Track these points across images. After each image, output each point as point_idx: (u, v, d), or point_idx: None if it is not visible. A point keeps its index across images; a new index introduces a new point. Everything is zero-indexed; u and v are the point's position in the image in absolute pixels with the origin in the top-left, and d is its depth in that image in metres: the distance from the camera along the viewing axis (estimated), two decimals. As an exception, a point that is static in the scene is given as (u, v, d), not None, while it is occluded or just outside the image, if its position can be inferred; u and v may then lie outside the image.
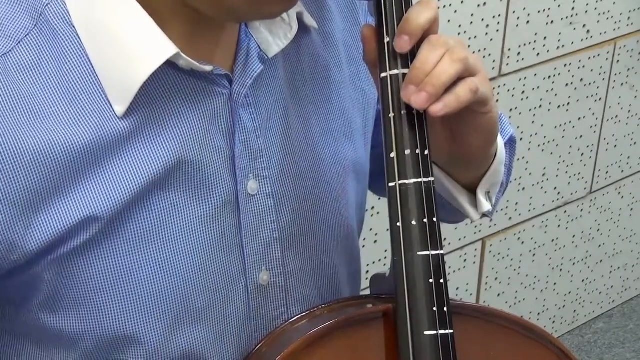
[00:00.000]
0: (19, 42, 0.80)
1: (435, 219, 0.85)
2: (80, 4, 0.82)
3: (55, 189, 0.80)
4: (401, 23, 0.84)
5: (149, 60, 0.81)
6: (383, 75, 0.85)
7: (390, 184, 0.85)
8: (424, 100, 0.82)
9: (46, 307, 0.85)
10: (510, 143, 1.09)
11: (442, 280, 0.85)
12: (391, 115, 0.85)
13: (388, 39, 0.85)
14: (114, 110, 0.82)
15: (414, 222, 0.84)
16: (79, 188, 0.81)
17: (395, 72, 0.85)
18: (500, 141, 1.01)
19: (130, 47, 0.81)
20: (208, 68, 0.85)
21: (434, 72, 0.82)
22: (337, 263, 1.01)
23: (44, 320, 0.86)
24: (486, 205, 1.01)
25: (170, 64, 0.83)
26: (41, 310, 0.85)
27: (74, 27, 0.82)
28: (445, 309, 0.85)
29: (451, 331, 0.85)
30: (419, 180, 0.84)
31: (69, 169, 0.80)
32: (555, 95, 2.36)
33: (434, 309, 0.84)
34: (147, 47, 0.82)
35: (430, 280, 0.84)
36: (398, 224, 0.84)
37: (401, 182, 0.84)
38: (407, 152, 0.84)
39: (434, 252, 0.85)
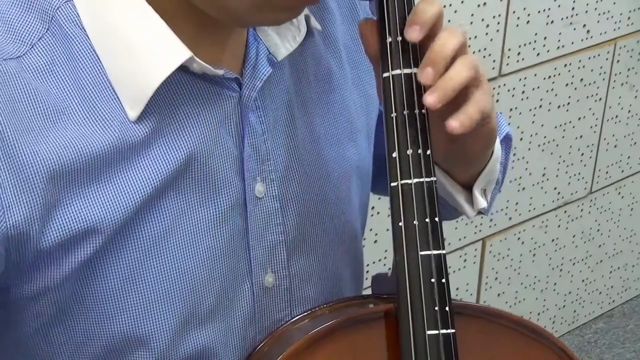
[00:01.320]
0: (33, 46, 0.80)
1: (437, 219, 0.85)
2: (90, 7, 0.81)
3: (70, 190, 0.80)
4: (410, 15, 0.84)
5: (162, 65, 0.81)
6: (385, 75, 0.85)
7: (392, 184, 0.85)
8: (435, 100, 0.82)
9: (56, 317, 0.84)
10: (506, 141, 1.10)
11: (443, 280, 0.85)
12: (393, 115, 0.85)
13: (390, 39, 0.85)
14: (126, 115, 0.81)
15: (415, 222, 0.84)
16: (93, 190, 0.81)
17: (397, 72, 0.85)
18: (497, 139, 1.02)
19: (143, 51, 0.81)
20: (220, 72, 0.85)
21: (448, 74, 0.83)
22: (341, 265, 1.01)
23: (51, 330, 0.85)
24: (482, 202, 1.01)
25: (181, 68, 0.82)
26: (51, 320, 0.85)
27: (85, 30, 0.81)
28: (447, 308, 0.85)
29: (453, 331, 0.85)
30: (421, 180, 0.84)
31: (83, 174, 0.80)
32: (555, 95, 2.36)
33: (436, 308, 0.84)
34: (160, 51, 0.81)
35: (432, 280, 0.84)
36: (400, 223, 0.84)
37: (403, 182, 0.84)
38: (409, 152, 0.84)
39: (435, 252, 0.85)
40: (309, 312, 0.93)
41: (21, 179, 0.77)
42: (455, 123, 0.83)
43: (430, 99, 0.82)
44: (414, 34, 0.83)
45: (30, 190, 0.78)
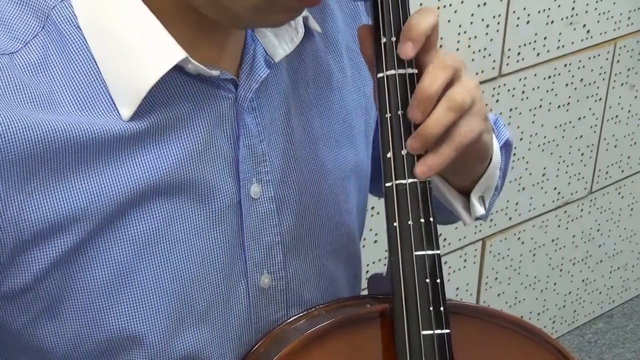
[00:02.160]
0: (27, 44, 0.80)
1: (431, 219, 0.85)
2: (86, 6, 0.81)
3: (53, 177, 0.79)
4: (404, 29, 0.84)
5: (157, 65, 0.81)
6: (380, 75, 0.85)
7: (387, 184, 0.85)
8: (417, 147, 0.84)
9: (47, 312, 0.84)
10: (506, 147, 1.10)
11: (438, 280, 0.85)
12: (388, 115, 0.85)
13: (384, 40, 0.85)
14: (119, 114, 0.81)
15: (410, 222, 0.84)
16: (77, 181, 0.81)
17: (392, 72, 0.85)
18: (496, 145, 1.01)
19: (138, 51, 0.81)
20: (215, 73, 0.85)
21: (430, 119, 0.83)
22: (338, 266, 1.01)
23: (43, 327, 0.85)
24: (479, 210, 1.01)
25: (176, 68, 0.83)
26: (42, 316, 0.84)
27: (80, 29, 0.81)
28: (441, 308, 0.85)
29: (448, 331, 0.85)
30: (416, 180, 0.85)
31: (69, 160, 0.80)
32: (555, 95, 2.36)
33: (431, 308, 0.84)
34: (155, 51, 0.81)
35: (427, 280, 0.84)
36: (395, 224, 0.85)
37: (398, 182, 0.85)
38: (404, 152, 0.85)
39: (430, 252, 0.85)
40: (305, 312, 0.93)
41: (3, 158, 0.77)
42: (422, 168, 0.84)
43: (413, 145, 0.84)
44: (407, 50, 0.84)
45: (6, 171, 0.77)
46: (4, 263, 0.81)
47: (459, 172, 0.97)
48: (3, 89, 0.78)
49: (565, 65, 2.35)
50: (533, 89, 2.30)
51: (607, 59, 2.44)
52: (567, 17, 2.29)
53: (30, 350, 0.87)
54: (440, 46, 0.99)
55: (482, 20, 2.12)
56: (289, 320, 0.93)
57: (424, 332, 0.84)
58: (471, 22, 2.11)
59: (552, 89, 2.35)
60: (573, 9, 2.29)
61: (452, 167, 0.90)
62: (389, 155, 0.85)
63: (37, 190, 0.79)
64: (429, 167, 0.84)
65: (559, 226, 2.56)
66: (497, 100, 2.23)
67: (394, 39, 0.85)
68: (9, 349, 0.89)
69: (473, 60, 2.14)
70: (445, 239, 2.27)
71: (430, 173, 0.85)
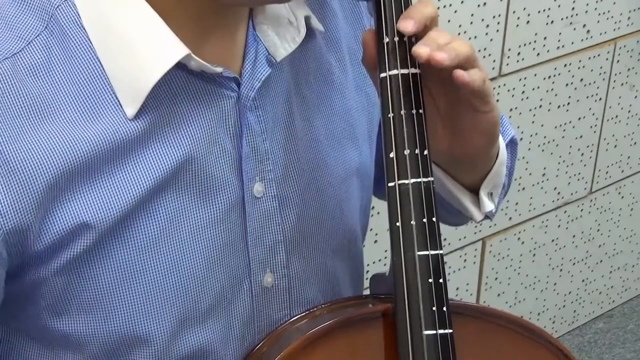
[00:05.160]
0: (29, 43, 0.81)
1: (434, 219, 0.85)
2: (90, 6, 0.82)
3: (64, 188, 0.80)
4: (406, 11, 0.84)
5: (160, 62, 0.81)
6: (382, 75, 0.85)
7: (390, 184, 0.85)
8: (411, 27, 0.84)
9: (54, 309, 0.85)
10: (512, 145, 1.10)
11: (441, 280, 0.85)
12: (390, 115, 0.85)
13: (387, 39, 0.85)
14: (124, 112, 0.82)
15: (413, 222, 0.85)
16: (89, 187, 0.81)
17: (394, 72, 0.85)
18: (502, 142, 1.02)
19: (141, 49, 0.81)
20: (219, 69, 0.85)
21: (446, 46, 0.83)
22: (340, 266, 1.01)
23: (50, 323, 0.86)
24: (489, 205, 1.01)
25: (179, 66, 0.83)
26: (48, 312, 0.85)
27: (84, 29, 0.82)
28: (444, 308, 0.85)
29: (450, 331, 0.85)
30: (418, 180, 0.85)
31: (79, 169, 0.80)
32: (555, 95, 2.36)
33: (433, 308, 0.85)
34: (158, 48, 0.82)
35: (430, 280, 0.85)
36: (397, 223, 0.85)
37: (400, 182, 0.85)
38: (407, 152, 0.85)
39: (433, 252, 0.85)
40: (307, 312, 0.94)
41: (16, 185, 0.78)
42: (444, 54, 0.82)
43: (405, 26, 0.83)
44: (408, 27, 0.84)
45: (25, 195, 0.78)
46: (14, 274, 0.82)
47: (469, 154, 0.95)
48: (7, 101, 0.78)
49: (565, 65, 2.35)
50: (533, 89, 2.30)
51: (607, 59, 2.44)
52: (567, 17, 2.29)
53: (45, 336, 0.88)
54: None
55: (482, 20, 2.12)
56: (291, 320, 0.94)
57: (426, 332, 0.85)
58: (471, 22, 2.11)
59: (552, 89, 2.35)
60: (573, 9, 2.29)
61: (464, 148, 0.90)
62: (392, 155, 0.85)
63: (53, 210, 0.80)
64: (449, 54, 0.83)
65: (559, 226, 2.56)
66: (497, 100, 2.23)
67: (396, 38, 0.85)
68: (17, 335, 0.90)
69: (473, 60, 2.14)
70: (445, 239, 2.27)
71: (449, 60, 0.82)
